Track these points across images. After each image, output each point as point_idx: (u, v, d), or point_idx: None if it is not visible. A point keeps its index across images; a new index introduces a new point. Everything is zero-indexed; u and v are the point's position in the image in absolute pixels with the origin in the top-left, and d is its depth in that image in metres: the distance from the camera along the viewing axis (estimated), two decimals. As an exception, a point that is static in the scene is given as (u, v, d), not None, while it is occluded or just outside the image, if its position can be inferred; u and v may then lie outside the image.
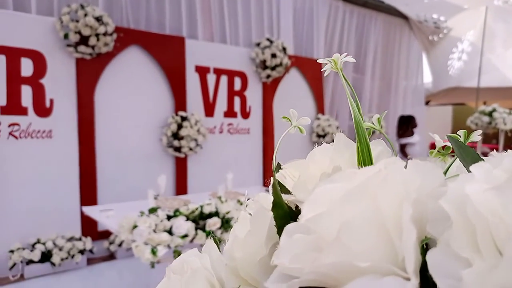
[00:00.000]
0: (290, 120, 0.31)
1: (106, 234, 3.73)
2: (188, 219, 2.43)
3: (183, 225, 2.33)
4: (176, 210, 2.45)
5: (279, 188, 0.21)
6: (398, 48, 6.98)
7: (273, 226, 0.21)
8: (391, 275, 0.14)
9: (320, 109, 5.53)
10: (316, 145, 0.27)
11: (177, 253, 2.32)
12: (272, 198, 0.22)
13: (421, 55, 7.46)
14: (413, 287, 0.14)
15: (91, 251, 3.52)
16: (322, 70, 0.30)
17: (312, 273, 0.16)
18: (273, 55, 4.65)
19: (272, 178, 0.23)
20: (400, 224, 0.16)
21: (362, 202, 0.16)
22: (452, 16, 6.74)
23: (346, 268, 0.14)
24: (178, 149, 4.08)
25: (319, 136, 5.39)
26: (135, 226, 2.24)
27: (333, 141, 0.28)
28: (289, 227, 0.19)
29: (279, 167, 0.24)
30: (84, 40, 3.44)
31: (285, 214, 0.21)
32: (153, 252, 2.19)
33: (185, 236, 2.33)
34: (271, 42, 4.71)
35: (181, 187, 4.19)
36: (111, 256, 3.76)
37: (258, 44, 4.75)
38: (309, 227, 0.17)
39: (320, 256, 0.16)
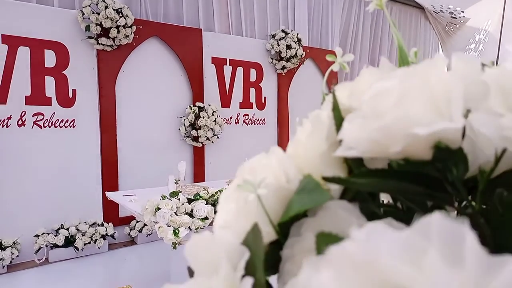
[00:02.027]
0: (335, 58, 0.35)
1: (126, 220, 3.83)
2: (207, 203, 2.50)
3: (203, 208, 2.40)
4: (197, 194, 2.52)
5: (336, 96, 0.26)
6: (414, 39, 6.92)
7: (332, 124, 0.26)
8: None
9: (335, 100, 5.53)
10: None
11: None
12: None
13: (437, 46, 7.38)
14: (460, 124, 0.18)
15: (112, 236, 3.63)
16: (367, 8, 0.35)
17: (367, 140, 0.21)
18: (288, 47, 4.67)
19: (331, 86, 0.27)
20: (449, 97, 0.20)
21: (416, 79, 0.21)
22: (469, 6, 6.65)
23: (401, 128, 0.19)
24: (195, 138, 4.15)
25: (334, 127, 5.40)
26: (157, 209, 2.32)
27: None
28: (350, 116, 0.24)
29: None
30: (105, 32, 3.52)
31: (341, 115, 0.25)
32: (175, 233, 2.26)
33: (205, 218, 2.40)
34: (286, 33, 4.73)
35: (198, 175, 4.27)
36: (131, 242, 3.86)
37: (273, 36, 4.78)
38: (368, 108, 0.22)
39: (376, 121, 0.20)
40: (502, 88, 0.19)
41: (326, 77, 0.30)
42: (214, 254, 0.21)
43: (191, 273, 0.26)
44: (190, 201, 2.49)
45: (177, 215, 2.36)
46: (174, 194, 2.49)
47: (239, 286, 0.20)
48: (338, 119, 0.24)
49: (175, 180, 2.74)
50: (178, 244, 2.34)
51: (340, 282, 0.14)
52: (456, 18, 6.85)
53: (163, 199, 2.41)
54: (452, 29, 6.96)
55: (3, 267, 3.11)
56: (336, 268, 0.15)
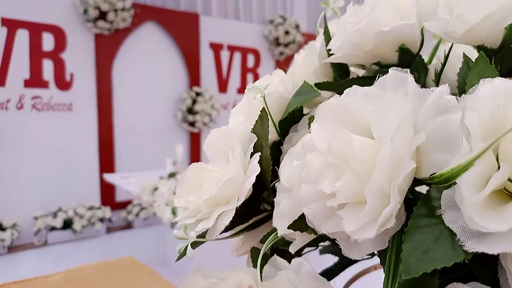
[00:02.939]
0: (327, 4, 0.40)
1: (123, 204, 3.89)
2: (205, 184, 2.56)
3: (201, 189, 2.46)
4: (194, 175, 2.58)
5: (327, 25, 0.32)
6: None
7: (323, 47, 0.31)
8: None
9: (331, 88, 5.59)
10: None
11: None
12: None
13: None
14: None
15: (110, 220, 3.69)
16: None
17: (347, 46, 0.26)
18: (286, 32, 4.71)
19: (323, 17, 0.33)
20: (408, 8, 0.26)
21: None
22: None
23: (372, 29, 0.25)
24: (192, 124, 4.20)
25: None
26: (156, 189, 2.38)
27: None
28: (336, 34, 0.30)
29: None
30: (102, 16, 3.54)
31: (330, 37, 0.31)
32: (174, 212, 2.33)
33: (203, 198, 2.46)
34: (285, 19, 4.76)
35: (195, 160, 4.28)
36: (128, 226, 3.93)
37: (271, 21, 4.81)
38: (350, 20, 0.28)
39: (354, 27, 0.26)
40: (447, 3, 0.25)
41: (321, 17, 0.35)
42: (229, 143, 0.27)
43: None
44: (187, 181, 2.54)
45: (175, 195, 2.41)
46: (172, 175, 2.55)
47: (250, 161, 0.26)
48: (328, 39, 0.30)
49: (173, 161, 2.79)
50: (176, 224, 2.41)
51: (324, 127, 0.20)
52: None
53: (161, 179, 2.47)
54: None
55: (4, 248, 3.17)
56: (322, 119, 0.20)
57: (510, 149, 0.16)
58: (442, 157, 0.17)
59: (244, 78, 4.71)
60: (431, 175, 0.17)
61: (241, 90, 4.71)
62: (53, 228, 3.40)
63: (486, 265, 0.18)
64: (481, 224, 0.15)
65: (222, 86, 4.54)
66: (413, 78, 0.18)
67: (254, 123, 0.27)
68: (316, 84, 0.28)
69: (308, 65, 0.32)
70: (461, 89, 0.23)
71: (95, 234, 3.59)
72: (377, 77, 0.20)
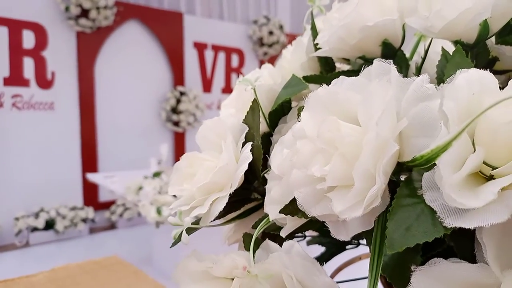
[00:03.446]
0: (313, 2, 0.42)
1: (106, 205, 3.85)
2: (190, 183, 2.56)
3: (186, 188, 2.45)
4: (179, 174, 2.56)
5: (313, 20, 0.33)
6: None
7: (310, 42, 0.33)
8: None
9: (315, 87, 5.64)
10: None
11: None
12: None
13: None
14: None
15: (93, 220, 3.64)
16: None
17: (334, 40, 0.28)
18: (270, 33, 4.73)
19: (309, 12, 0.34)
20: (390, 5, 0.27)
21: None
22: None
23: (357, 24, 0.26)
24: (176, 123, 4.18)
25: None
26: (140, 188, 2.36)
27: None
28: (323, 29, 0.31)
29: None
30: (84, 13, 3.49)
31: (317, 32, 0.33)
32: (158, 212, 2.32)
33: (188, 198, 2.46)
34: (268, 19, 4.78)
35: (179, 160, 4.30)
36: (112, 226, 3.88)
37: (255, 22, 4.82)
38: (335, 16, 0.29)
39: (340, 22, 0.27)
40: (427, 0, 0.27)
41: (308, 14, 0.36)
42: (221, 133, 0.28)
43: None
44: (172, 180, 2.53)
45: (160, 194, 2.41)
46: (157, 174, 2.53)
47: (241, 150, 0.27)
48: (315, 34, 0.31)
49: (158, 160, 2.78)
50: (161, 223, 2.39)
51: (313, 115, 0.21)
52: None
53: (145, 179, 2.46)
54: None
55: (-17, 249, 3.10)
56: (311, 108, 0.22)
57: (484, 133, 0.17)
58: (422, 141, 0.18)
59: (229, 78, 4.72)
60: (413, 158, 0.18)
61: (226, 90, 4.71)
62: (35, 229, 3.34)
63: (464, 241, 0.19)
64: (459, 201, 0.16)
65: (207, 85, 4.53)
66: (395, 68, 0.20)
67: (246, 114, 0.28)
68: (304, 77, 0.29)
69: (296, 59, 0.33)
70: (439, 79, 0.24)
71: (77, 234, 3.54)
72: (362, 68, 0.21)
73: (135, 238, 3.63)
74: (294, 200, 0.21)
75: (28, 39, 3.37)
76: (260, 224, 0.24)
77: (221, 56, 4.62)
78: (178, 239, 0.24)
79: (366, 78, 0.21)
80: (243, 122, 0.28)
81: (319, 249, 0.41)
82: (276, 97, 0.31)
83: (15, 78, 3.32)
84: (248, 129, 0.27)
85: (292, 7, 5.46)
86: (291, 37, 5.15)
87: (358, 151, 0.18)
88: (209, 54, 4.52)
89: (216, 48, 4.56)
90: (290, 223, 0.23)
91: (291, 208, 0.22)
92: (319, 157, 0.20)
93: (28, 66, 3.39)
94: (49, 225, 3.39)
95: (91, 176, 3.01)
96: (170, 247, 0.26)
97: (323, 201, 0.20)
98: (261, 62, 4.98)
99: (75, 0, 3.39)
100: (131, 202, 2.40)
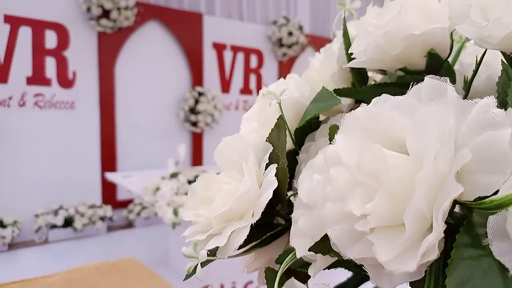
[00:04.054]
0: (343, 5, 0.38)
1: (124, 203, 3.88)
2: (207, 184, 2.54)
3: (203, 189, 2.44)
4: (196, 176, 2.55)
5: (346, 26, 0.30)
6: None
7: (342, 50, 0.30)
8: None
9: (334, 89, 5.57)
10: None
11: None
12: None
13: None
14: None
15: (111, 218, 3.68)
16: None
17: (372, 50, 0.24)
18: (290, 33, 4.69)
19: (342, 15, 0.31)
20: (439, 10, 0.24)
21: None
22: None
23: (400, 32, 0.23)
24: (194, 124, 4.18)
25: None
26: (157, 189, 2.36)
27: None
28: (358, 36, 0.28)
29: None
30: (106, 14, 3.53)
31: (350, 40, 0.29)
32: (175, 213, 2.31)
33: (205, 199, 2.44)
34: (288, 20, 4.74)
35: (197, 161, 4.31)
36: (129, 225, 3.91)
37: (275, 22, 4.79)
38: (374, 22, 0.26)
39: (380, 29, 0.24)
40: (481, 5, 0.23)
41: (337, 18, 0.33)
42: (242, 151, 0.25)
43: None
44: (190, 182, 2.53)
45: (177, 195, 2.40)
46: (174, 175, 2.53)
47: (265, 173, 0.24)
48: (348, 42, 0.28)
49: (176, 161, 2.77)
50: (178, 224, 2.39)
51: (351, 140, 0.18)
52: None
53: (163, 179, 2.46)
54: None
55: (5, 245, 3.16)
56: (348, 131, 0.18)
57: None
58: (489, 179, 0.15)
59: (247, 79, 4.70)
60: (477, 198, 0.15)
61: (244, 90, 4.69)
62: (54, 226, 3.39)
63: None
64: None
65: (225, 86, 4.52)
66: (453, 88, 0.16)
67: (270, 132, 0.25)
68: (335, 90, 0.26)
69: (325, 69, 0.30)
70: (502, 100, 0.21)
71: (95, 232, 3.58)
72: (410, 85, 0.18)
73: (152, 237, 3.65)
74: (326, 237, 0.18)
75: (51, 39, 3.42)
76: (286, 260, 0.21)
77: (240, 56, 4.60)
78: (192, 272, 0.22)
79: (416, 99, 0.17)
80: (267, 141, 0.25)
81: (343, 271, 0.38)
82: (303, 111, 0.27)
83: (37, 78, 3.38)
84: (272, 148, 0.24)
85: (312, 7, 5.40)
86: (311, 38, 5.10)
87: (409, 188, 0.15)
88: (228, 55, 4.51)
89: (235, 49, 4.55)
90: (321, 262, 0.20)
91: (323, 246, 0.19)
92: (359, 191, 0.17)
93: (50, 65, 3.44)
94: (68, 222, 3.44)
95: (109, 176, 3.03)
96: (184, 280, 0.24)
97: (362, 242, 0.17)
98: (280, 63, 4.94)
99: (97, 0, 3.43)
100: (148, 202, 2.41)
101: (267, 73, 4.85)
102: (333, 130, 0.22)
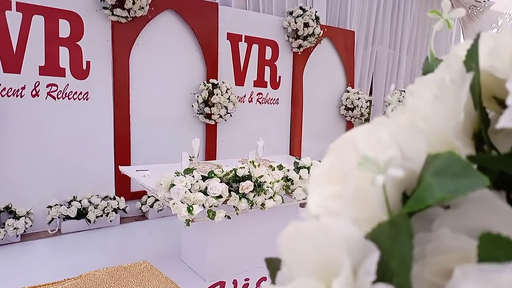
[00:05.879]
0: (439, 14, 0.30)
1: (138, 195, 3.85)
2: (221, 181, 2.47)
3: (217, 186, 2.38)
4: (211, 172, 2.49)
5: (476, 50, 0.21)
6: (435, 21, 6.71)
7: (468, 92, 0.21)
8: None
9: (350, 81, 5.43)
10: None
11: (211, 213, 2.38)
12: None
13: (459, 30, 7.16)
14: None
15: (124, 210, 3.65)
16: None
17: None
18: (306, 25, 4.55)
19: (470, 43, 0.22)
20: None
21: None
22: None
23: None
24: (208, 116, 4.11)
25: (347, 109, 5.32)
26: (172, 185, 2.30)
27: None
28: None
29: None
30: (120, 3, 3.45)
31: (480, 79, 0.21)
32: (189, 210, 2.25)
33: (219, 197, 2.38)
34: (304, 11, 4.60)
35: (210, 153, 4.25)
36: (142, 217, 3.89)
37: (291, 13, 4.66)
38: None
39: None
40: None
41: (433, 33, 0.25)
42: (326, 249, 0.17)
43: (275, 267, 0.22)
44: (204, 178, 2.46)
45: (191, 192, 2.34)
46: (188, 171, 2.46)
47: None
48: (478, 78, 0.19)
49: (190, 157, 2.71)
50: (192, 221, 2.33)
51: None
52: (479, 1, 6.61)
53: (177, 175, 2.39)
54: (475, 13, 6.73)
55: (17, 236, 3.15)
56: None
57: None
58: None
59: (262, 71, 4.59)
60: None
61: (258, 83, 4.59)
62: (67, 217, 3.37)
63: None
64: None
65: (239, 78, 4.42)
66: None
67: (374, 227, 0.17)
68: (471, 158, 0.18)
69: (443, 116, 0.21)
70: None
71: (108, 224, 3.56)
72: None
73: (164, 229, 3.62)
74: None
75: (64, 28, 3.36)
76: None
77: (255, 48, 4.49)
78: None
79: None
80: (368, 237, 0.17)
81: None
82: (405, 180, 0.19)
83: (51, 68, 3.33)
84: (378, 254, 0.16)
85: (329, -2, 5.24)
86: (328, 29, 4.95)
87: None
88: (242, 46, 4.40)
89: (250, 40, 4.44)
90: None
91: None
92: None
93: (64, 55, 3.38)
94: (81, 214, 3.42)
95: (123, 169, 2.99)
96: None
97: None
98: (295, 55, 4.82)
99: (111, -11, 3.35)
100: (162, 199, 2.35)
101: (281, 65, 4.74)
102: (487, 245, 0.14)
